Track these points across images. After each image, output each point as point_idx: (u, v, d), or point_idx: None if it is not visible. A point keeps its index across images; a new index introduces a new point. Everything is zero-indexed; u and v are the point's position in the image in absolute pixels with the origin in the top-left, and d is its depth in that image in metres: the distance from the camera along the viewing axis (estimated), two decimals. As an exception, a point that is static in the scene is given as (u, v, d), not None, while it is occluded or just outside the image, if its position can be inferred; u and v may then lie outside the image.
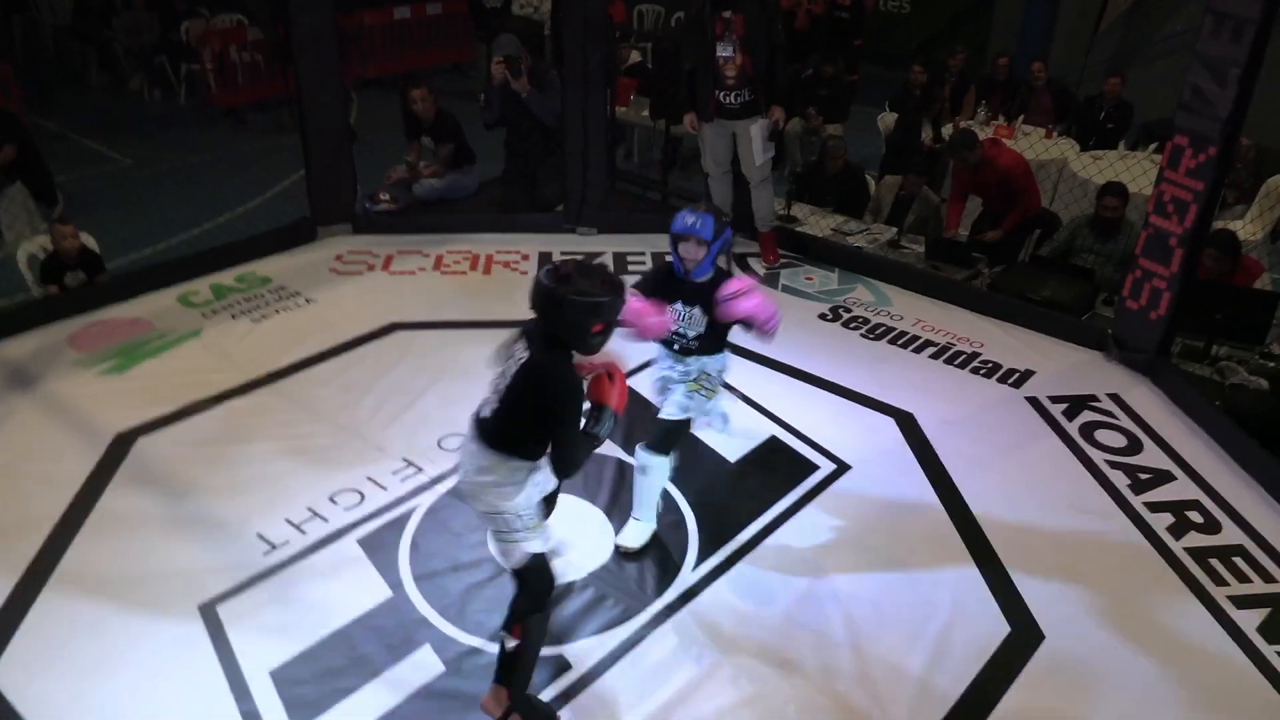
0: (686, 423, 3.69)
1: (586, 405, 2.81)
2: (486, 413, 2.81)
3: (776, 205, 6.34)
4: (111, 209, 7.25)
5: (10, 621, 3.36)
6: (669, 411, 3.68)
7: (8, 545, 3.69)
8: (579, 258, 2.79)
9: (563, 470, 2.87)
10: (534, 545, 2.87)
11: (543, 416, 2.74)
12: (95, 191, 7.72)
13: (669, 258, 3.61)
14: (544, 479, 2.86)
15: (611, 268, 6.08)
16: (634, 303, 3.24)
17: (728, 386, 4.15)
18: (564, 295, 2.66)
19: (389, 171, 6.94)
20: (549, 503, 3.22)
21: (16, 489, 4.02)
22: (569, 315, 2.68)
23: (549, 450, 2.82)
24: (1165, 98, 6.42)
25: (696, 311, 3.57)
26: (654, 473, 3.67)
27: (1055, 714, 3.13)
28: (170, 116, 9.85)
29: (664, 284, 3.60)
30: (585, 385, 2.82)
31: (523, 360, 2.75)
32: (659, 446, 3.64)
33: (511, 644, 2.86)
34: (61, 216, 5.79)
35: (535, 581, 2.90)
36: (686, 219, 3.46)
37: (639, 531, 3.78)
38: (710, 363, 3.68)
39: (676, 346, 3.66)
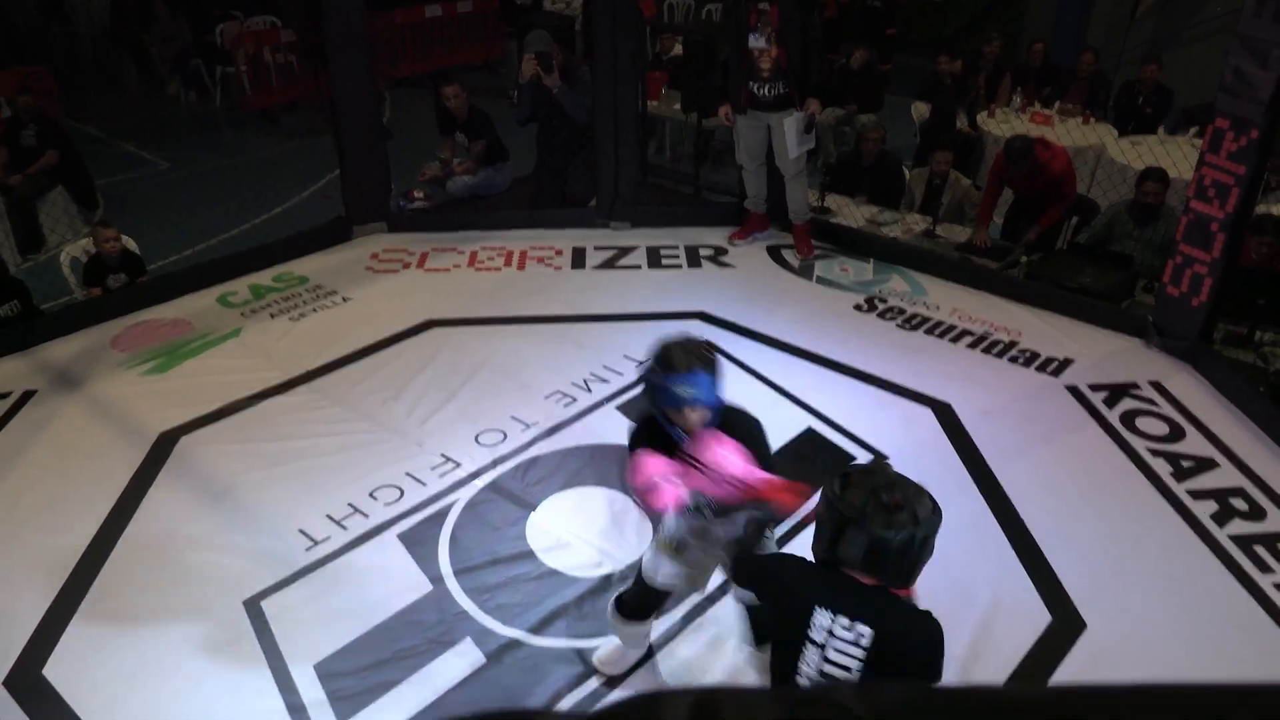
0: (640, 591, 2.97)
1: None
2: None
3: (810, 197, 6.31)
4: (150, 212, 7.35)
5: (60, 619, 3.42)
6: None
7: (55, 544, 3.76)
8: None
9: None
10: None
11: None
12: (134, 195, 7.83)
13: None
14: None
15: (645, 263, 6.12)
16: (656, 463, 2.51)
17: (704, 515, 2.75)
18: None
19: (423, 167, 7.00)
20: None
21: (63, 488, 4.09)
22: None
23: None
24: (1205, 82, 6.34)
25: None
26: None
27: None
28: (206, 119, 9.98)
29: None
30: None
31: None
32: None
33: None
34: (103, 220, 5.88)
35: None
36: (685, 391, 2.46)
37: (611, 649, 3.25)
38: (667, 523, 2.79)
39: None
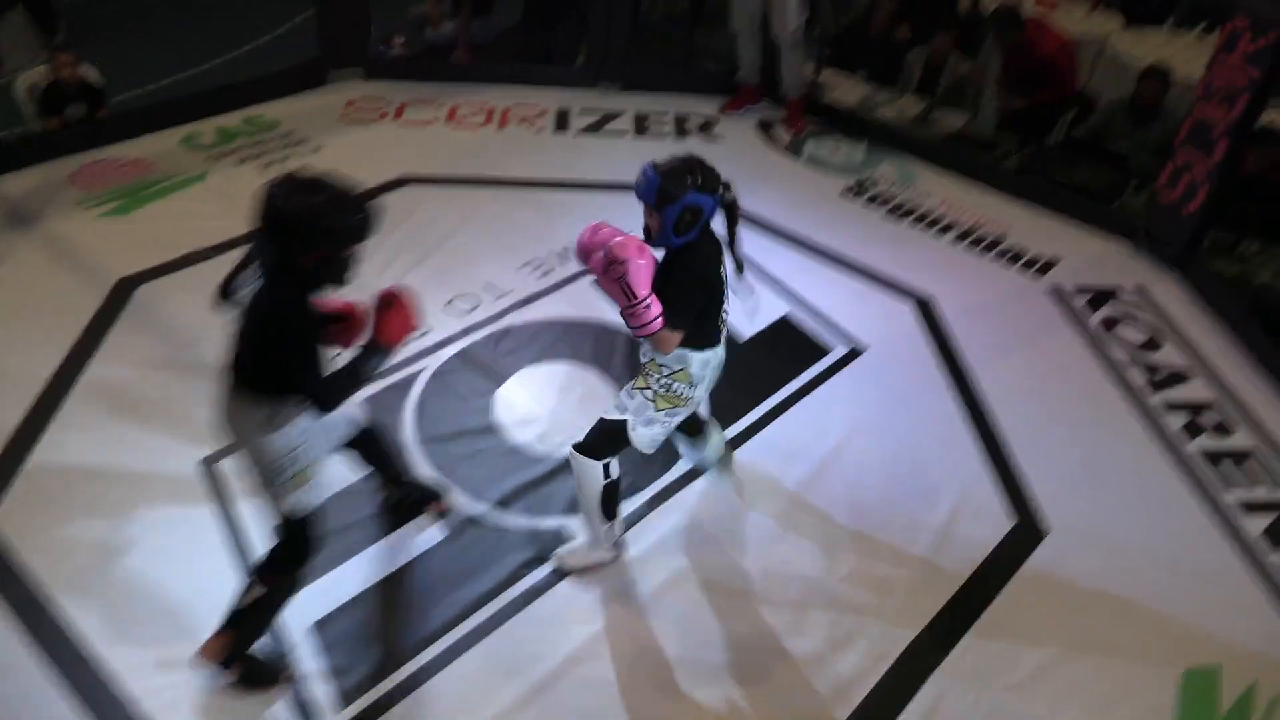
0: (621, 426, 2.87)
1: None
2: (233, 349, 2.48)
3: (806, 70, 6.08)
4: (113, 40, 6.98)
5: (9, 467, 3.36)
6: (609, 407, 2.96)
7: (8, 389, 3.66)
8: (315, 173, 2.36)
9: (320, 408, 2.47)
10: (300, 498, 2.58)
11: (272, 352, 2.40)
12: (98, 19, 7.42)
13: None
14: (313, 421, 2.56)
15: (631, 130, 5.91)
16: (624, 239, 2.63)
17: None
18: (292, 211, 2.26)
19: (412, 8, 6.66)
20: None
21: (16, 332, 3.96)
22: (297, 236, 2.28)
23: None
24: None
25: None
26: (583, 479, 2.93)
27: (1054, 609, 3.14)
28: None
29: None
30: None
31: (254, 289, 2.40)
32: (585, 447, 2.90)
33: (257, 591, 2.64)
34: (63, 44, 5.56)
35: (299, 541, 2.64)
36: (638, 177, 2.64)
37: (578, 548, 3.17)
38: (663, 356, 2.80)
39: None
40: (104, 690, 2.71)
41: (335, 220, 2.30)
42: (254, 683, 2.73)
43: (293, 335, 2.38)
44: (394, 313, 2.51)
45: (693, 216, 2.62)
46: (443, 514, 3.28)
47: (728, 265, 2.80)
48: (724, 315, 2.83)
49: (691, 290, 2.70)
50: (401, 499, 3.25)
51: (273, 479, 2.54)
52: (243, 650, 2.71)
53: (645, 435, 2.88)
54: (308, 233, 2.28)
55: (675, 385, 2.82)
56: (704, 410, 3.39)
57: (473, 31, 6.59)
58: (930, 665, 2.95)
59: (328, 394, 2.44)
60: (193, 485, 3.35)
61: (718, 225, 2.74)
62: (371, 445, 3.03)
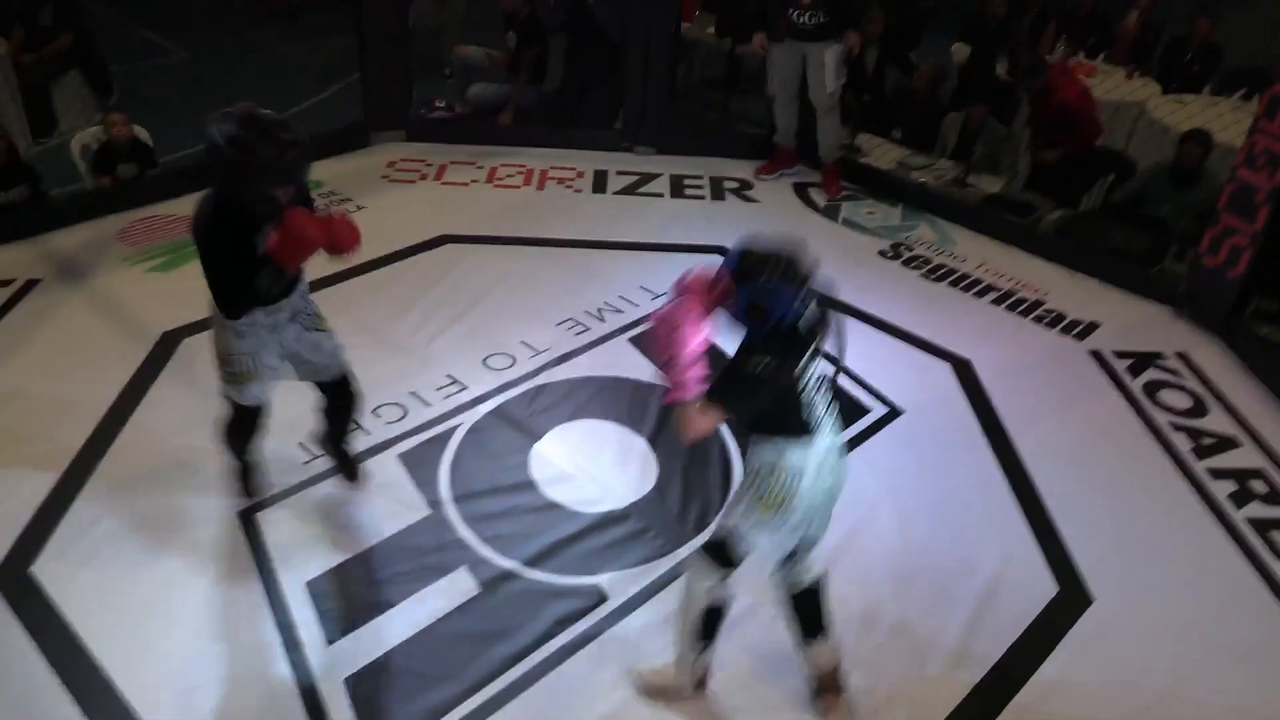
0: (721, 544, 2.65)
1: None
2: None
3: (842, 134, 6.12)
4: (165, 103, 7.16)
5: (52, 517, 3.38)
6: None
7: (52, 439, 3.71)
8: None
9: (223, 313, 2.87)
10: (234, 391, 3.06)
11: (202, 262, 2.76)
12: (150, 84, 7.63)
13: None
14: (260, 340, 2.95)
15: (667, 192, 5.96)
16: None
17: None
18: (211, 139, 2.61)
19: (463, 46, 6.78)
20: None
21: (62, 383, 4.03)
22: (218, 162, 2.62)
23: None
24: (1258, 41, 6.09)
25: None
26: (686, 589, 2.75)
27: (1099, 682, 3.04)
28: (227, 11, 9.69)
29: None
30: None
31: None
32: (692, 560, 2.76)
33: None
34: (115, 105, 5.72)
35: (233, 418, 3.20)
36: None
37: (661, 667, 2.92)
38: (760, 453, 2.55)
39: None
40: (133, 743, 2.70)
41: (245, 153, 2.56)
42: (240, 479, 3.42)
43: (203, 246, 2.72)
44: (284, 229, 2.67)
45: (756, 314, 2.36)
46: (353, 486, 3.52)
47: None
48: (811, 403, 2.50)
49: (738, 383, 2.41)
50: (329, 450, 3.51)
51: (218, 367, 3.02)
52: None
53: (745, 544, 2.63)
54: (218, 160, 2.60)
55: (772, 484, 2.52)
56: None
57: (524, 96, 6.70)
58: (972, 736, 2.87)
59: (228, 303, 2.81)
60: (231, 535, 3.35)
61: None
62: (339, 400, 3.32)
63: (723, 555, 2.63)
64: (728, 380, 2.42)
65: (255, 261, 2.71)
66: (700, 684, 2.87)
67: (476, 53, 6.84)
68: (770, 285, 2.32)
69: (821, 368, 2.51)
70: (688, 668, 2.82)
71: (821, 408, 2.53)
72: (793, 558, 2.71)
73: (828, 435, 2.55)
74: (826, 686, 2.84)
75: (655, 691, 2.90)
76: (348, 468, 3.51)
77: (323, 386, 3.28)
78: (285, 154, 2.60)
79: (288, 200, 2.68)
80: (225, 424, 3.26)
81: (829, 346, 2.50)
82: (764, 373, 2.36)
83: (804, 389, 2.46)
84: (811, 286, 2.39)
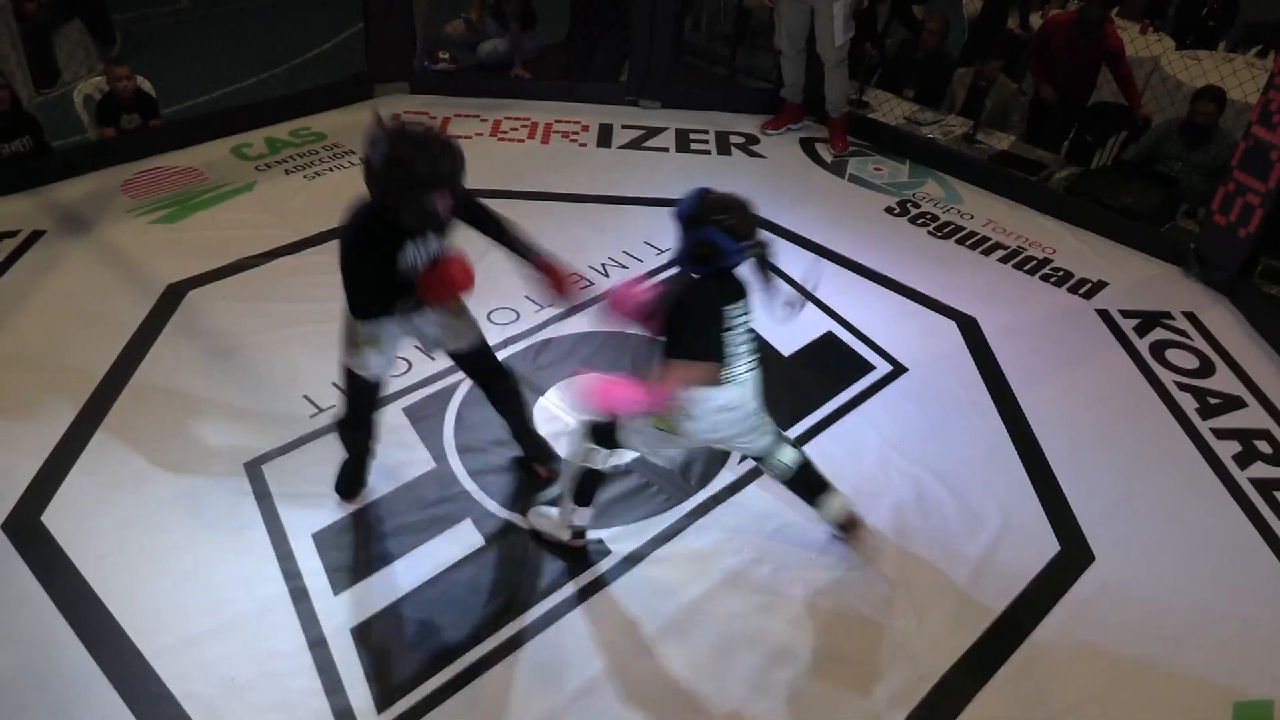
0: (609, 428, 2.96)
1: None
2: None
3: (849, 89, 6.06)
4: (167, 53, 7.11)
5: (60, 466, 3.40)
6: None
7: (58, 391, 3.71)
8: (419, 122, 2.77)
9: (352, 313, 2.94)
10: (352, 360, 3.04)
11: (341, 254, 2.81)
12: (152, 33, 7.57)
13: None
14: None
15: (673, 146, 5.92)
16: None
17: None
18: (369, 160, 2.63)
19: (450, 24, 6.72)
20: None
21: (68, 335, 4.03)
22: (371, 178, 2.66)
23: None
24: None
25: None
26: (571, 453, 3.09)
27: (1098, 639, 3.06)
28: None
29: None
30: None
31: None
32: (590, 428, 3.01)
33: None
34: (117, 58, 5.68)
35: (348, 393, 3.16)
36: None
37: (552, 515, 3.25)
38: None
39: None
40: (148, 683, 2.73)
41: (402, 168, 2.58)
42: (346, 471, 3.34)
43: (345, 255, 2.77)
44: (440, 272, 2.80)
45: (705, 251, 2.60)
46: (547, 479, 3.47)
47: (749, 313, 2.75)
48: (734, 353, 2.72)
49: (685, 320, 2.67)
50: (523, 444, 3.50)
51: (343, 341, 3.02)
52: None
53: (628, 438, 2.94)
54: (376, 176, 2.63)
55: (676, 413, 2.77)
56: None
57: (524, 48, 6.63)
58: (971, 691, 2.88)
59: (360, 311, 2.88)
60: (238, 486, 3.37)
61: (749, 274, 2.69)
62: (503, 396, 3.37)
63: (603, 436, 2.94)
64: (667, 302, 2.70)
65: (394, 281, 2.81)
66: (578, 535, 3.18)
67: (460, 24, 6.79)
68: (721, 229, 2.58)
69: (749, 323, 2.75)
70: (567, 518, 3.14)
71: (743, 364, 2.75)
72: (762, 462, 3.07)
73: (736, 389, 2.75)
74: (846, 527, 3.17)
75: (543, 529, 3.23)
76: (540, 455, 3.51)
77: (488, 391, 3.36)
78: (440, 162, 2.65)
79: (447, 211, 2.76)
80: (342, 408, 3.23)
81: (761, 302, 2.74)
82: (699, 300, 2.66)
83: (729, 331, 2.68)
84: (756, 240, 2.65)
